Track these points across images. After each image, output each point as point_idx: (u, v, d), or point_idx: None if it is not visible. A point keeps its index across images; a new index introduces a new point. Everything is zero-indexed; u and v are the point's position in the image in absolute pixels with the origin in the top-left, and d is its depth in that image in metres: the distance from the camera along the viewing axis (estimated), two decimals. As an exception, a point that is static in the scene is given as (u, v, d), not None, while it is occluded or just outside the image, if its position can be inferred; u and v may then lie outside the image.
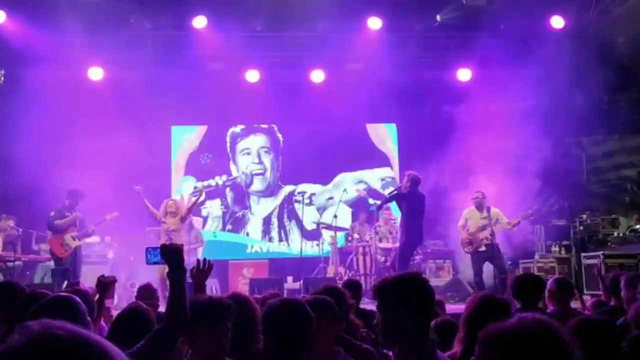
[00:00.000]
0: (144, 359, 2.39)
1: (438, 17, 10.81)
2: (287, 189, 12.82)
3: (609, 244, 10.18)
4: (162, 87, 11.06)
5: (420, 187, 8.81)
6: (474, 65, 11.54)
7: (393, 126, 12.99)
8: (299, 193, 12.72)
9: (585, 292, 9.19)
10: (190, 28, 10.59)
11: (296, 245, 11.57)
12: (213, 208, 12.53)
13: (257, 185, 12.77)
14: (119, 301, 9.29)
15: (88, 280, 6.38)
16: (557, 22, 10.68)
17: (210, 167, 12.60)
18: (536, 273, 9.60)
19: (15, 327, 0.93)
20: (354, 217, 11.95)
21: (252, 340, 2.78)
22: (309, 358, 2.59)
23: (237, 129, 12.86)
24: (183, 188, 12.36)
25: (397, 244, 9.44)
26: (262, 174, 12.81)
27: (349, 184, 12.41)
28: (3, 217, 9.98)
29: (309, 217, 12.31)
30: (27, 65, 10.33)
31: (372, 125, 12.98)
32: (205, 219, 12.31)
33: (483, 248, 9.04)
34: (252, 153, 12.83)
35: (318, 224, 11.81)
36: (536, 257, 10.70)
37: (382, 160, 12.92)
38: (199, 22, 10.50)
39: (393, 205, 10.11)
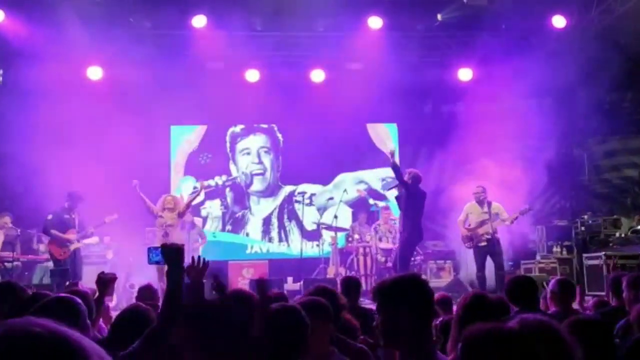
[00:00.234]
0: (141, 358, 2.39)
1: (439, 17, 10.78)
2: (287, 189, 12.77)
3: (611, 244, 10.13)
4: (162, 86, 11.03)
5: (421, 186, 8.76)
6: (475, 64, 11.51)
7: (394, 126, 12.95)
8: (299, 193, 12.68)
9: (587, 292, 9.13)
10: (190, 27, 10.57)
11: (296, 246, 11.53)
12: (213, 208, 12.49)
13: (257, 185, 12.73)
14: (119, 302, 9.27)
15: (88, 281, 6.35)
16: (559, 21, 10.64)
17: (210, 167, 12.56)
18: (537, 274, 9.60)
19: None
20: (355, 218, 11.91)
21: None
22: (303, 359, 2.57)
23: (237, 128, 12.82)
24: (182, 188, 12.31)
25: (397, 244, 9.38)
26: (262, 174, 12.77)
27: (349, 184, 12.37)
28: None
29: (309, 218, 12.27)
30: (26, 64, 10.28)
31: (373, 125, 12.94)
32: (205, 219, 12.26)
33: (484, 243, 9.02)
34: (252, 153, 12.78)
35: (318, 224, 11.77)
36: (537, 257, 10.66)
37: (382, 160, 12.85)
38: (199, 21, 10.48)
39: (393, 205, 10.07)
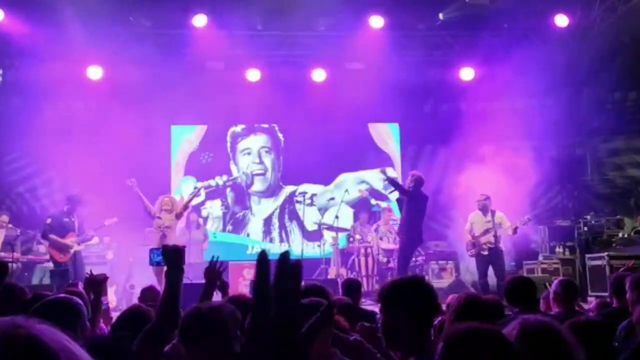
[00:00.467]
0: (139, 357, 2.41)
1: (441, 16, 10.74)
2: (288, 189, 12.73)
3: (614, 245, 10.08)
4: (162, 86, 10.99)
5: (422, 189, 8.72)
6: (476, 64, 11.46)
7: (395, 126, 12.89)
8: (300, 193, 12.63)
9: (589, 293, 9.09)
10: (190, 26, 10.54)
11: (297, 246, 11.47)
12: (213, 208, 12.45)
13: (258, 185, 12.69)
14: (119, 302, 9.25)
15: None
16: (561, 20, 10.59)
17: (211, 167, 12.52)
18: (540, 274, 9.56)
19: None
20: (356, 218, 11.86)
21: None
22: None
23: (238, 128, 12.77)
24: (183, 188, 12.26)
25: (398, 245, 9.35)
26: (263, 174, 12.72)
27: (350, 184, 12.31)
28: None
29: (310, 218, 12.20)
30: (26, 64, 10.27)
31: (374, 125, 12.89)
32: (205, 220, 12.21)
33: (486, 252, 8.98)
34: (252, 153, 12.74)
35: (319, 224, 11.72)
36: (540, 258, 10.60)
37: (384, 160, 12.81)
38: (199, 20, 10.45)
39: (394, 205, 10.02)
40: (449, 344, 1.64)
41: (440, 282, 10.20)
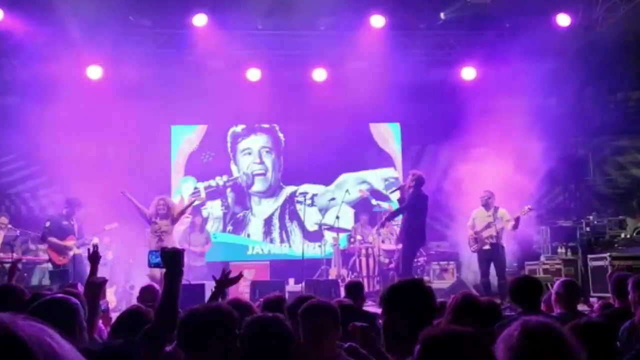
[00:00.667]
0: (138, 358, 2.48)
1: (442, 15, 10.70)
2: (289, 189, 12.69)
3: (616, 245, 10.05)
4: (162, 85, 10.98)
5: (423, 187, 8.68)
6: (478, 63, 11.43)
7: (396, 125, 12.86)
8: (300, 194, 12.59)
9: (592, 294, 9.05)
10: (191, 26, 10.50)
11: (298, 247, 11.43)
12: (213, 209, 12.41)
13: (258, 185, 12.65)
14: (118, 303, 9.21)
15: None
16: (563, 20, 10.54)
17: (211, 167, 12.49)
18: (542, 275, 9.52)
19: None
20: (357, 218, 11.82)
21: None
22: None
23: (238, 128, 12.74)
24: (183, 188, 12.24)
25: (399, 246, 9.29)
26: (264, 175, 12.68)
27: (351, 184, 12.28)
28: None
29: (311, 218, 12.15)
30: (25, 64, 10.22)
31: (375, 125, 12.85)
32: (205, 220, 12.16)
33: (487, 247, 8.96)
34: (253, 153, 12.70)
35: (320, 225, 11.68)
36: (542, 258, 10.55)
37: (385, 160, 12.78)
38: (199, 20, 10.41)
39: (395, 205, 9.98)
40: (425, 347, 1.66)
41: (442, 283, 10.18)
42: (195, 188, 12.34)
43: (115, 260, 10.44)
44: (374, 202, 11.95)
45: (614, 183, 11.88)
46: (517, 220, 8.91)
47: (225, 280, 3.74)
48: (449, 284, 10.22)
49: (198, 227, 10.92)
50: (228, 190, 12.56)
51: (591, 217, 10.81)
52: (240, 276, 3.76)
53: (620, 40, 10.42)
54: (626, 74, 10.61)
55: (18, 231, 9.89)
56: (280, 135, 12.75)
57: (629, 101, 11.68)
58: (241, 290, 9.27)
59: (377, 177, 12.71)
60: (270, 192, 12.68)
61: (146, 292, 5.29)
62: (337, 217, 10.60)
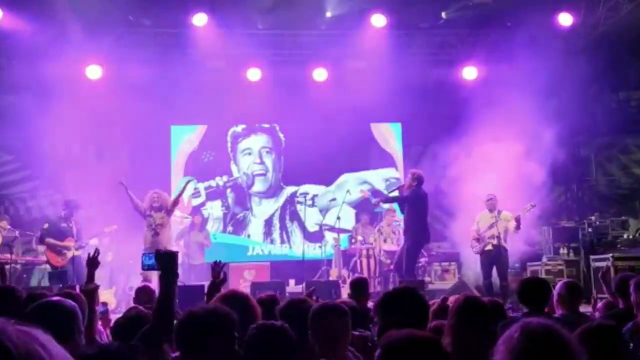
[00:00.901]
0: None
1: (443, 14, 10.68)
2: (289, 189, 12.64)
3: (619, 246, 10.02)
4: (162, 85, 10.97)
5: (423, 186, 8.68)
6: (479, 63, 11.41)
7: (398, 125, 12.82)
8: (301, 194, 12.54)
9: (594, 295, 8.99)
10: (191, 25, 10.50)
11: (298, 248, 11.40)
12: (214, 209, 12.37)
13: (259, 186, 12.60)
14: (118, 305, 9.17)
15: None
16: (565, 19, 10.53)
17: (211, 167, 12.45)
18: (544, 276, 9.45)
19: None
20: (358, 219, 11.77)
21: None
22: None
23: (238, 128, 12.69)
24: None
25: (400, 246, 9.26)
26: (264, 175, 12.64)
27: (352, 184, 12.23)
28: None
29: (312, 219, 12.12)
30: (24, 63, 10.18)
31: (376, 125, 12.81)
32: (205, 221, 12.13)
33: (490, 247, 8.92)
34: (253, 153, 12.65)
35: (321, 225, 11.63)
36: (544, 259, 10.51)
37: (386, 160, 12.73)
38: (199, 19, 10.40)
39: (395, 206, 9.95)
40: (385, 351, 1.71)
41: (444, 284, 10.13)
42: (196, 188, 12.29)
43: (115, 261, 10.39)
44: (374, 201, 11.88)
45: (617, 183, 11.84)
46: (518, 220, 8.87)
47: (218, 281, 3.77)
48: (451, 284, 10.17)
49: (197, 227, 10.90)
50: (228, 190, 12.52)
51: (593, 218, 10.78)
52: (223, 280, 3.80)
53: (622, 39, 10.38)
54: (629, 74, 10.58)
55: (17, 232, 9.84)
56: (281, 135, 12.71)
57: (631, 101, 11.64)
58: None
59: (378, 177, 12.67)
60: (271, 192, 12.64)
61: (142, 293, 5.25)
62: (338, 218, 10.55)
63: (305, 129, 12.06)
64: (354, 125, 12.20)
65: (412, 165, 11.11)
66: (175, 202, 9.19)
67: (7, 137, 10.68)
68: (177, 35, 10.82)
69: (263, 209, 12.57)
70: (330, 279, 9.94)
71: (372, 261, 10.33)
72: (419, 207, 8.55)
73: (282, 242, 12.43)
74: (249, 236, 12.41)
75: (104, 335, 4.42)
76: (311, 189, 12.61)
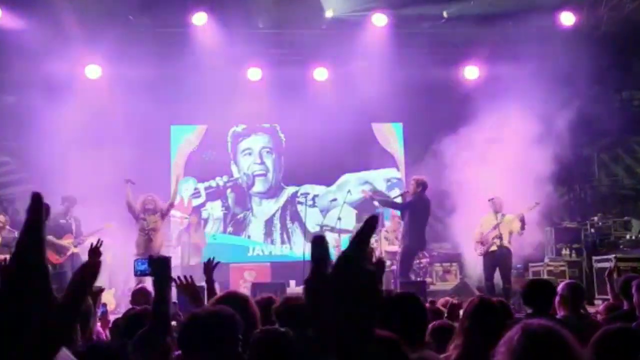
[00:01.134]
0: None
1: (445, 14, 10.63)
2: (290, 190, 12.61)
3: (621, 247, 10.01)
4: (162, 85, 10.95)
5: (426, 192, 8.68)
6: (481, 62, 11.38)
7: (399, 125, 12.78)
8: (301, 194, 12.50)
9: (596, 296, 9.00)
10: (191, 25, 10.47)
11: (299, 248, 11.35)
12: (214, 210, 12.34)
13: (259, 186, 12.57)
14: (117, 305, 9.15)
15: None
16: (568, 18, 10.50)
17: (211, 168, 12.42)
18: (546, 277, 9.45)
19: None
20: (359, 220, 11.71)
21: None
22: None
23: (239, 128, 12.66)
24: (182, 188, 12.12)
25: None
26: (264, 175, 12.60)
27: (353, 185, 12.19)
28: None
29: (312, 219, 12.07)
30: (23, 63, 10.15)
31: (378, 125, 12.76)
32: (205, 221, 12.09)
33: (494, 247, 8.89)
34: (253, 153, 12.62)
35: (321, 226, 11.59)
36: (546, 260, 10.49)
37: (387, 160, 12.69)
38: (199, 18, 10.39)
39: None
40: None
41: (445, 285, 10.09)
42: (196, 189, 12.26)
43: (114, 262, 10.35)
44: (376, 203, 11.84)
45: (620, 183, 11.81)
46: (523, 219, 8.85)
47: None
48: (452, 285, 10.13)
49: (194, 226, 10.86)
50: (228, 190, 12.48)
51: (596, 218, 10.76)
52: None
53: (625, 39, 10.34)
54: (631, 73, 10.53)
55: (16, 232, 9.79)
56: (281, 135, 12.67)
57: (634, 100, 11.62)
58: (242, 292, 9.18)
59: (379, 178, 12.63)
60: (271, 192, 12.60)
61: (138, 295, 5.23)
62: (339, 218, 10.52)
63: (306, 128, 12.00)
64: (355, 125, 12.15)
65: (414, 165, 11.09)
66: (171, 204, 9.13)
67: (6, 137, 10.67)
68: (177, 35, 10.78)
69: (263, 210, 12.54)
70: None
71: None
72: (421, 214, 8.58)
73: (283, 242, 12.40)
74: (249, 237, 12.38)
75: (103, 335, 4.40)
76: (312, 189, 12.57)
